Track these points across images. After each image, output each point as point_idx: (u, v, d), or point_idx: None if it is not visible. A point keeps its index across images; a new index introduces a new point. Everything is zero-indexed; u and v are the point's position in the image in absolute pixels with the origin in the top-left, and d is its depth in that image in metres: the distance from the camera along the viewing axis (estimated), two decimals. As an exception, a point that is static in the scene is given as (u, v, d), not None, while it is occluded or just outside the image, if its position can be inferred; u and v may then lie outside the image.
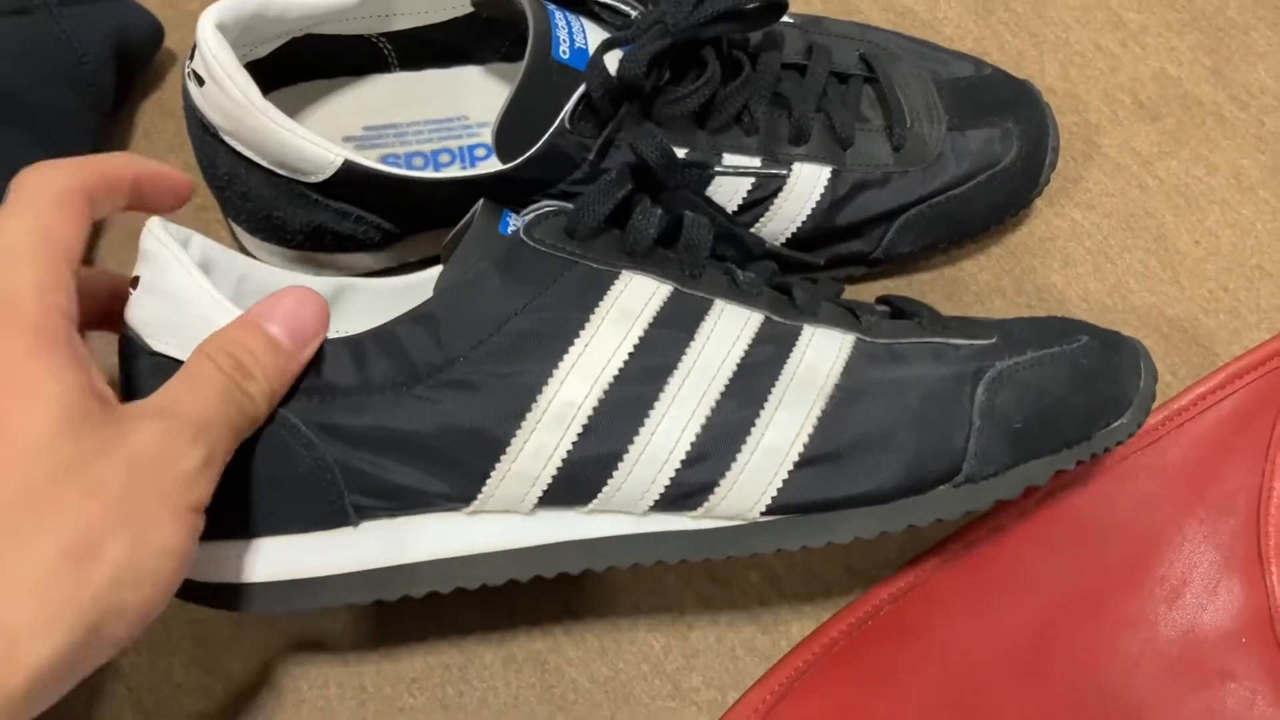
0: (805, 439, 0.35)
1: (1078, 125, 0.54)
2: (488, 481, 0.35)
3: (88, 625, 0.27)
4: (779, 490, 0.35)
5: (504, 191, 0.41)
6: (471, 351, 0.34)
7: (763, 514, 0.36)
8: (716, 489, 0.35)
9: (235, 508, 0.34)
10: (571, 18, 0.41)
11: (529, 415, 0.34)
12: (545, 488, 0.35)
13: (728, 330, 0.35)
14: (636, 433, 0.34)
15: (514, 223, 0.36)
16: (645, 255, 0.36)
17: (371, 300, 0.40)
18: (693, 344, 0.35)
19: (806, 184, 0.44)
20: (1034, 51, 0.56)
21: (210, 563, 0.35)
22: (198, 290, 0.34)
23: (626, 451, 0.35)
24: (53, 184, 0.32)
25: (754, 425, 0.35)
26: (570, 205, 0.36)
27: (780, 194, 0.44)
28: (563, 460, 0.34)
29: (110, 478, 0.28)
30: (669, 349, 0.35)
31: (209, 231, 0.48)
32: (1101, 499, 0.42)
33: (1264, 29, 0.56)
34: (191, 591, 0.35)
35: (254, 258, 0.46)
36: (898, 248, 0.46)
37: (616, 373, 0.34)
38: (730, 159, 0.43)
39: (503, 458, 0.34)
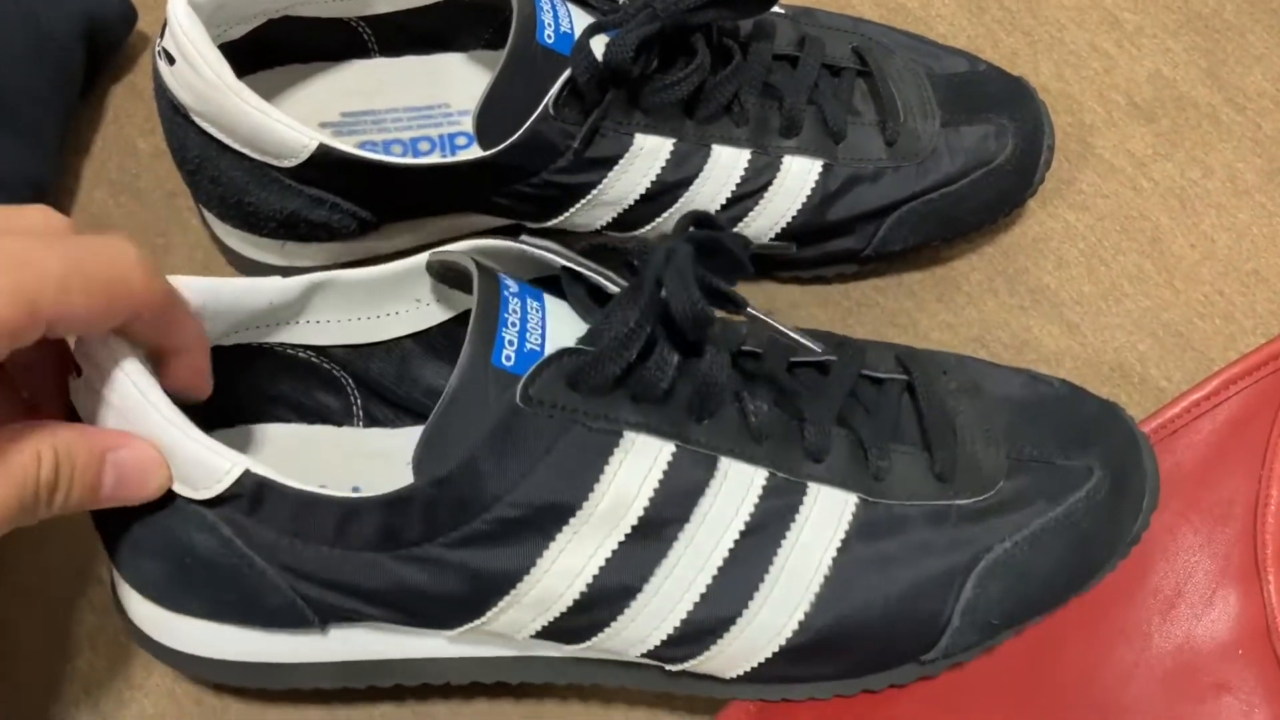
0: (790, 632, 0.34)
1: (1072, 126, 0.53)
2: (462, 628, 0.34)
3: None
4: (754, 668, 0.35)
5: (484, 179, 0.40)
6: (452, 532, 0.31)
7: (735, 680, 0.36)
8: (696, 659, 0.35)
9: (200, 604, 0.34)
10: (557, 1, 0.40)
11: (505, 598, 0.32)
12: (526, 638, 0.34)
13: (727, 504, 0.33)
14: (622, 612, 0.33)
15: (508, 348, 0.32)
16: (656, 400, 0.32)
17: (348, 294, 0.38)
18: (688, 525, 0.33)
19: (797, 178, 0.43)
20: (1028, 50, 0.55)
21: (183, 635, 0.34)
22: (161, 421, 0.31)
23: (610, 625, 0.33)
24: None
25: (743, 614, 0.34)
26: (578, 349, 0.32)
27: (770, 188, 0.43)
28: (541, 629, 0.33)
29: None
30: (662, 535, 0.33)
31: (179, 220, 0.47)
32: (1095, 506, 0.41)
33: (1260, 31, 0.55)
34: (166, 655, 0.35)
35: (226, 248, 0.45)
36: (889, 245, 0.45)
37: (603, 564, 0.32)
38: (719, 150, 0.42)
39: (476, 622, 0.33)
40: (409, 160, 0.40)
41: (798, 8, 0.47)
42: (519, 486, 0.31)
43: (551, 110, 0.39)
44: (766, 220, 0.43)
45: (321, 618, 0.33)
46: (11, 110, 0.45)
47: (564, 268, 0.35)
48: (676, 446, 0.32)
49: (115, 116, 0.50)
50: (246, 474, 0.30)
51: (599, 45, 0.38)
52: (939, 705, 0.38)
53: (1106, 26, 0.55)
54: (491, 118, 0.39)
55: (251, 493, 0.31)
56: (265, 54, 0.44)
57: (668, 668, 0.35)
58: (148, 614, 0.34)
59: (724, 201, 0.42)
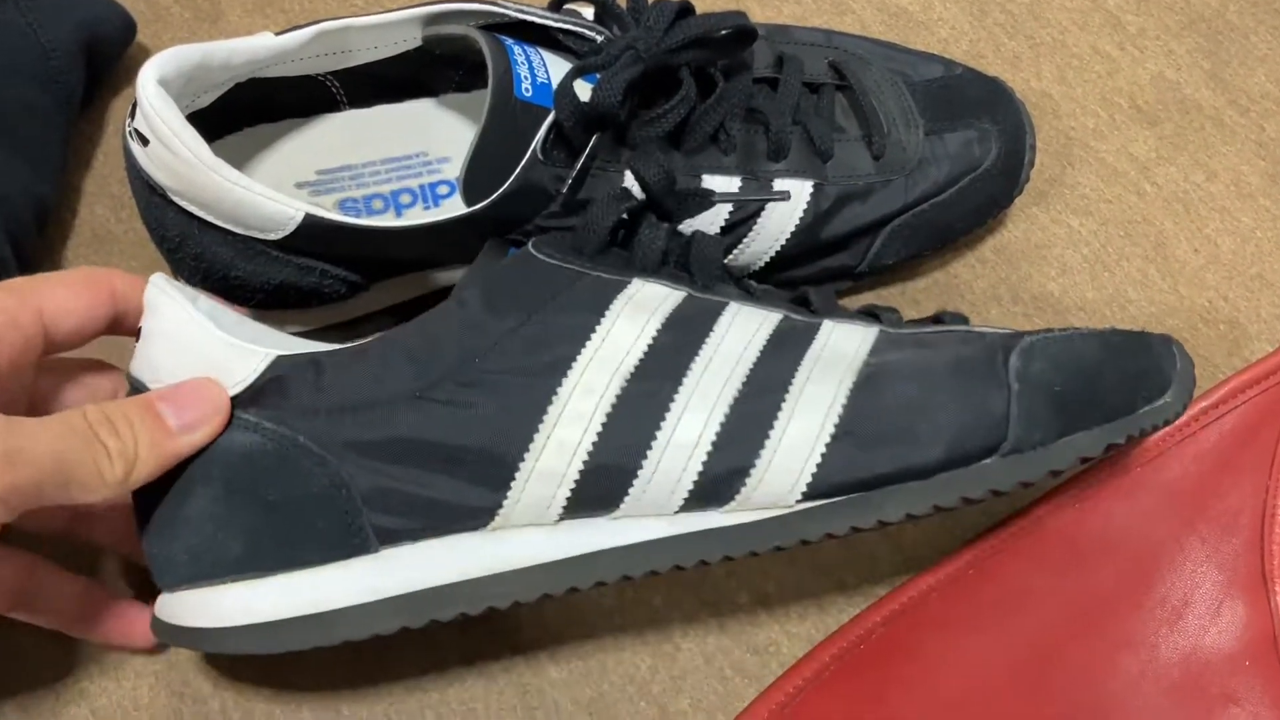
0: (836, 416, 0.34)
1: (1075, 130, 0.52)
2: (513, 485, 0.34)
3: None
4: (815, 471, 0.34)
5: (477, 232, 0.39)
6: (488, 352, 0.33)
7: (801, 499, 0.34)
8: (749, 476, 0.34)
9: (243, 541, 0.34)
10: (530, 51, 0.40)
11: (550, 409, 0.33)
12: (571, 488, 0.34)
13: (745, 325, 0.35)
14: (660, 424, 0.33)
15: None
16: (655, 270, 0.36)
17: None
18: (711, 336, 0.34)
19: (789, 200, 0.42)
20: (1030, 54, 0.54)
21: (225, 607, 0.34)
22: (199, 330, 0.34)
23: (651, 444, 0.33)
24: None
25: (781, 407, 0.34)
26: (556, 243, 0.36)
27: (763, 212, 0.42)
28: (587, 455, 0.34)
29: None
30: (686, 342, 0.34)
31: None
32: (1100, 516, 0.41)
33: (1264, 32, 0.55)
34: (197, 639, 0.35)
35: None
36: (883, 259, 0.45)
37: (635, 366, 0.34)
38: (710, 180, 0.41)
39: (526, 456, 0.33)
40: (400, 223, 0.39)
41: (770, 25, 0.47)
42: (545, 306, 0.34)
43: (539, 155, 0.38)
44: (761, 244, 0.43)
45: (372, 514, 0.34)
46: (13, 126, 0.45)
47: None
48: (686, 293, 0.36)
49: (116, 130, 0.50)
50: (278, 360, 0.34)
51: (581, 88, 0.38)
52: (943, 718, 0.39)
53: (1109, 29, 0.55)
54: (478, 177, 0.38)
55: (284, 375, 0.34)
56: (234, 117, 0.43)
57: (723, 516, 0.35)
58: (184, 604, 0.35)
59: (719, 229, 0.42)
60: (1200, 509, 0.41)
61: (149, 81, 0.36)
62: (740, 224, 0.42)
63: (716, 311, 0.35)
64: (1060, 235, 0.50)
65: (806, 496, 0.34)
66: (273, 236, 0.38)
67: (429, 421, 0.33)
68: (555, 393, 0.33)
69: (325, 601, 0.34)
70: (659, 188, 0.35)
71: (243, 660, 0.40)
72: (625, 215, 0.36)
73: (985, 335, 0.36)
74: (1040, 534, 0.41)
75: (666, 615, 0.42)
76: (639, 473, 0.34)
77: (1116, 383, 0.35)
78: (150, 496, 0.34)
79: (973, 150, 0.45)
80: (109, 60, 0.51)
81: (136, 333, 0.36)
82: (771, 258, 0.43)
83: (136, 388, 0.35)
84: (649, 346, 0.34)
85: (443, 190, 0.45)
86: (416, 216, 0.41)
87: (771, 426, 0.34)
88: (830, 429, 0.34)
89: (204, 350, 0.34)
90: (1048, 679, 0.39)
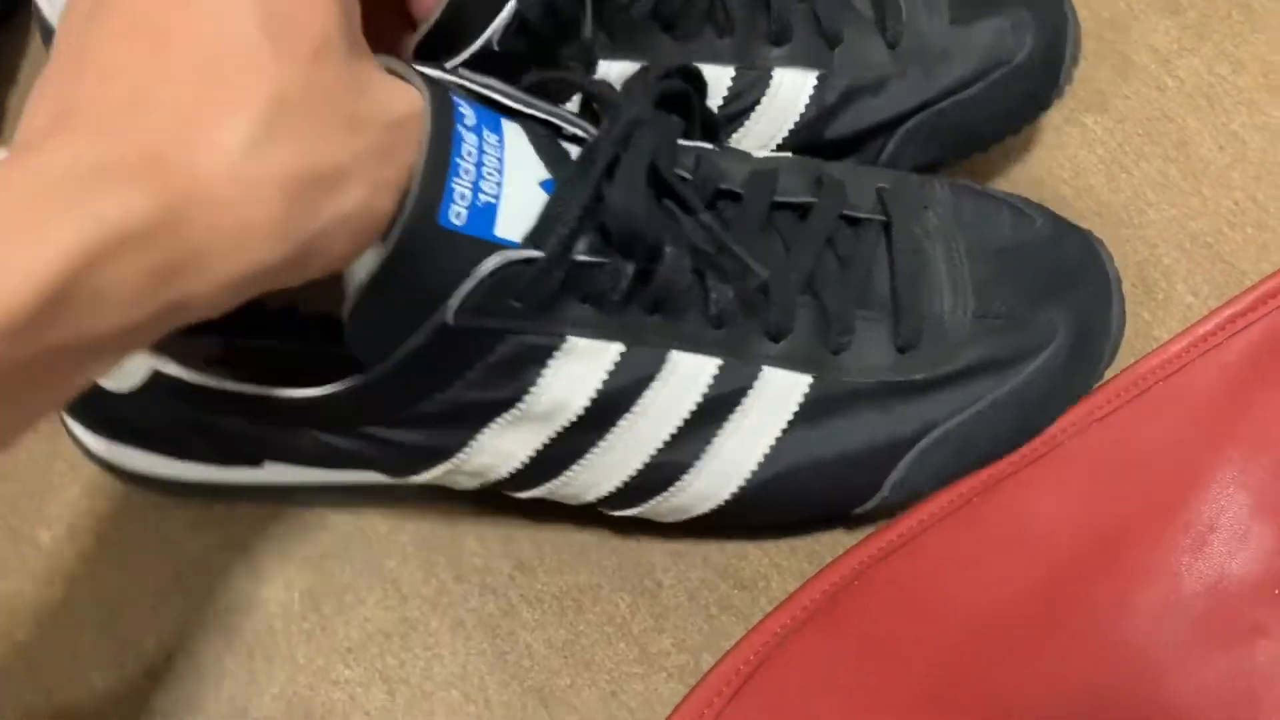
0: (721, 500, 0.35)
1: (1089, 20, 0.48)
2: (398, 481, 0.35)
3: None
4: (687, 521, 0.36)
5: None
6: (380, 420, 0.32)
7: (669, 524, 0.37)
8: (629, 511, 0.36)
9: (141, 446, 0.35)
10: None
11: (440, 467, 0.33)
12: (483, 483, 0.35)
13: (673, 396, 0.32)
14: (558, 477, 0.34)
15: (459, 203, 0.28)
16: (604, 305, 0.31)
17: None
18: (629, 415, 0.32)
19: (789, 92, 0.38)
20: (1040, -62, 0.50)
21: (130, 460, 0.36)
22: None
23: (545, 486, 0.34)
24: None
25: (678, 483, 0.34)
26: (519, 256, 0.28)
27: (759, 106, 0.38)
28: (479, 487, 0.34)
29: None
30: (603, 424, 0.32)
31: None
32: (1117, 437, 0.38)
33: (1296, -91, 0.51)
34: (117, 474, 0.37)
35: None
36: (898, 164, 0.41)
37: (539, 448, 0.32)
38: (701, 70, 0.37)
39: (411, 479, 0.34)
40: None
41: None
42: (448, 390, 0.30)
43: (495, 47, 0.33)
44: (753, 143, 0.39)
45: (255, 461, 0.35)
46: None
47: (515, 110, 0.31)
48: (625, 346, 0.31)
49: (39, 45, 0.47)
50: (157, 374, 0.31)
51: None
52: (946, 658, 0.36)
53: (1126, -91, 0.51)
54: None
55: (171, 386, 0.31)
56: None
57: (603, 511, 0.36)
58: (97, 444, 0.36)
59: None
60: (1227, 426, 0.38)
61: None
62: (732, 120, 0.38)
63: (641, 387, 0.32)
64: (1074, 135, 0.46)
65: (674, 525, 0.37)
66: None
67: (321, 448, 0.33)
68: (448, 460, 0.33)
69: (210, 479, 0.36)
70: (622, 234, 0.29)
71: (190, 606, 0.38)
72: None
73: (912, 390, 0.34)
74: (1051, 458, 0.38)
75: (647, 549, 0.39)
76: (530, 493, 0.35)
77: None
78: None
79: (1005, 41, 0.40)
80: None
81: None
82: (763, 160, 0.40)
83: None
84: (567, 425, 0.32)
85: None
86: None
87: (662, 493, 0.35)
88: (712, 505, 0.35)
89: None
90: (1060, 614, 0.36)
